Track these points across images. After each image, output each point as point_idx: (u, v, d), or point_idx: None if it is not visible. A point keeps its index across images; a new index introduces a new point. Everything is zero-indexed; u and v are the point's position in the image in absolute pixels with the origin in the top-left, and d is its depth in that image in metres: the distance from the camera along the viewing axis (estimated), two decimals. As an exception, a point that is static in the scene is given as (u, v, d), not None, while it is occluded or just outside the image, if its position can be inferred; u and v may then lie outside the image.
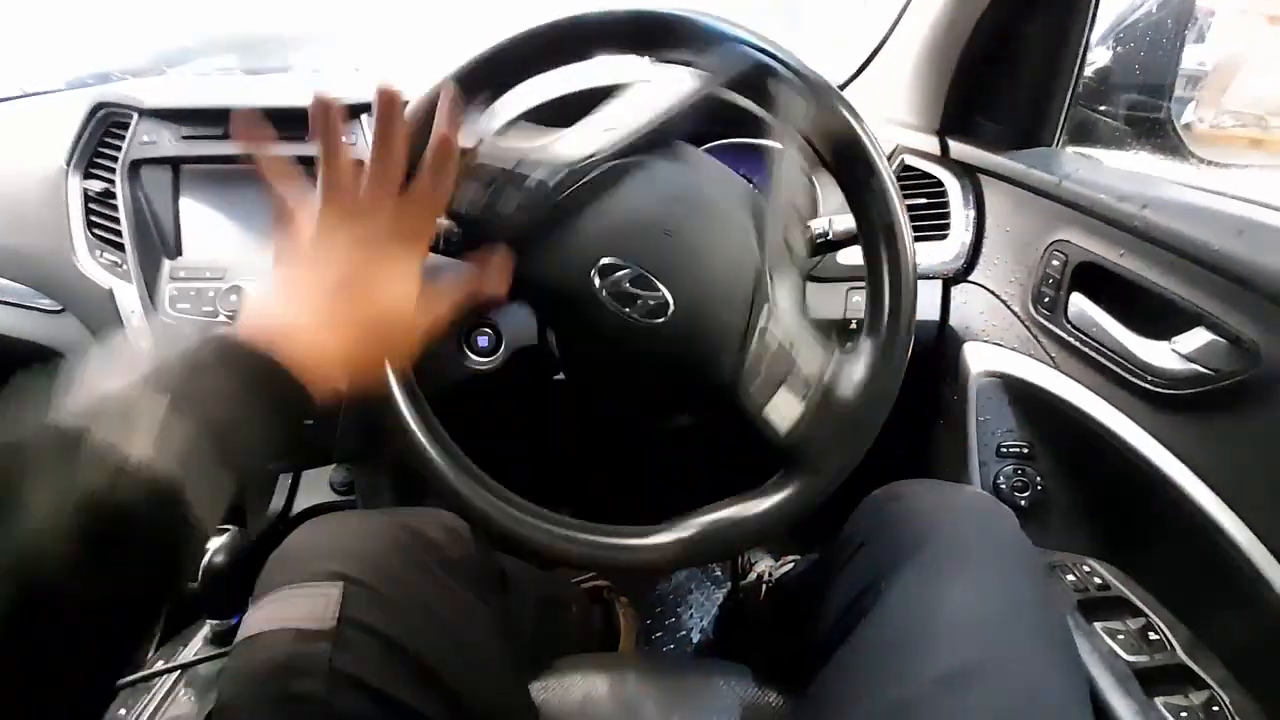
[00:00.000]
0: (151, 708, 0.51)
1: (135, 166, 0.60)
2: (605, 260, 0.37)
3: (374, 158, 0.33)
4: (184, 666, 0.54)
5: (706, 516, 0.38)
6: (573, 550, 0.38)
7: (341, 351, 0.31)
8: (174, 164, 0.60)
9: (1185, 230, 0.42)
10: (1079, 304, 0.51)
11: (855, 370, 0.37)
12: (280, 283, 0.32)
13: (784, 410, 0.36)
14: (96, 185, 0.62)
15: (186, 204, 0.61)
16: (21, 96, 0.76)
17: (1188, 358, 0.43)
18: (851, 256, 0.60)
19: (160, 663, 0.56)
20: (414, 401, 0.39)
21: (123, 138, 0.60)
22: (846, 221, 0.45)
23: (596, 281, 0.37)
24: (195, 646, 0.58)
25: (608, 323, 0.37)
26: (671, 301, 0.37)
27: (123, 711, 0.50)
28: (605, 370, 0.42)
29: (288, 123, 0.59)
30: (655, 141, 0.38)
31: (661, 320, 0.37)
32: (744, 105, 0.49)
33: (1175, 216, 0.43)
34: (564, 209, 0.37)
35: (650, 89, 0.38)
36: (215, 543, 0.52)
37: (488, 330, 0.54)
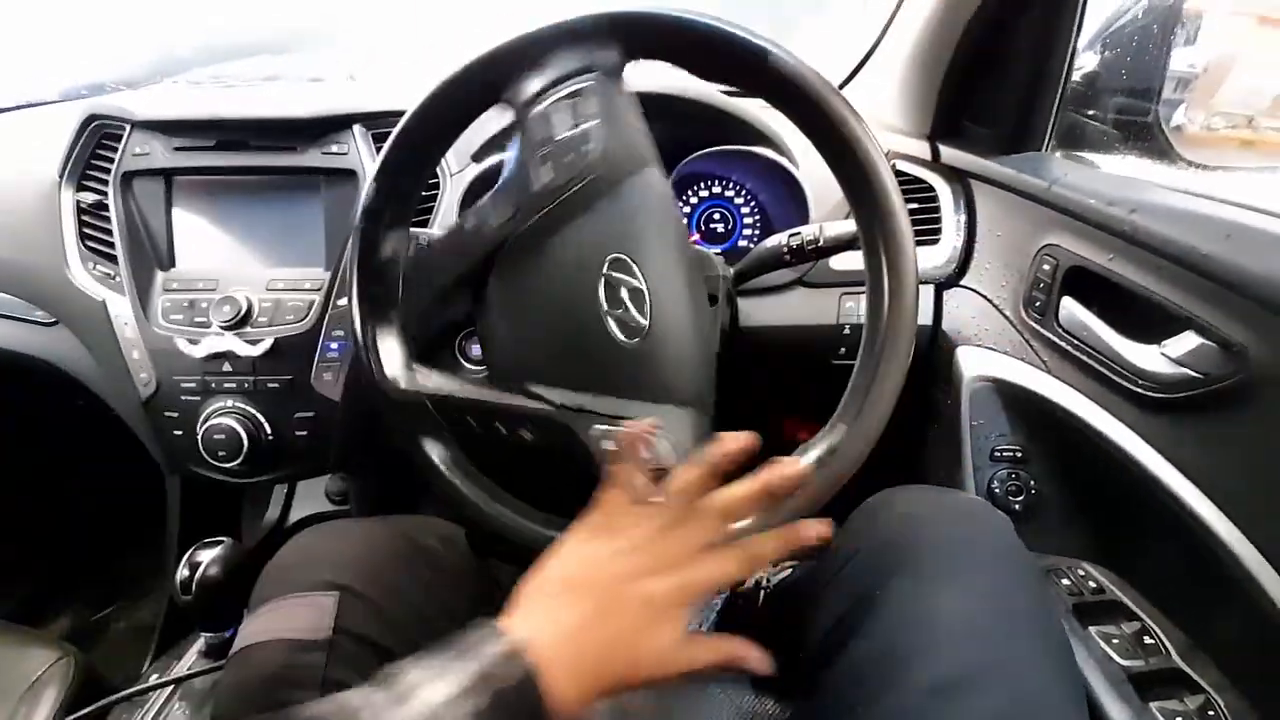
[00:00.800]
0: (148, 721, 0.51)
1: (128, 178, 0.60)
2: (613, 255, 0.36)
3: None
4: (178, 680, 0.54)
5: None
6: None
7: (591, 670, 0.28)
8: (166, 175, 0.60)
9: (1174, 234, 0.42)
10: (1070, 308, 0.52)
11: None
12: (578, 565, 0.30)
13: None
14: (89, 197, 0.62)
15: (179, 215, 0.61)
16: (14, 108, 0.76)
17: (1177, 361, 0.43)
18: (843, 262, 0.60)
19: (155, 676, 0.56)
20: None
21: (115, 149, 0.60)
22: (837, 228, 0.46)
23: (602, 291, 0.36)
24: (190, 660, 0.58)
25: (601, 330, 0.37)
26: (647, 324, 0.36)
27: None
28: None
29: (280, 134, 0.60)
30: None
31: (639, 340, 0.36)
32: (731, 112, 0.49)
33: (1164, 220, 0.43)
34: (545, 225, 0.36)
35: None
36: (209, 554, 0.52)
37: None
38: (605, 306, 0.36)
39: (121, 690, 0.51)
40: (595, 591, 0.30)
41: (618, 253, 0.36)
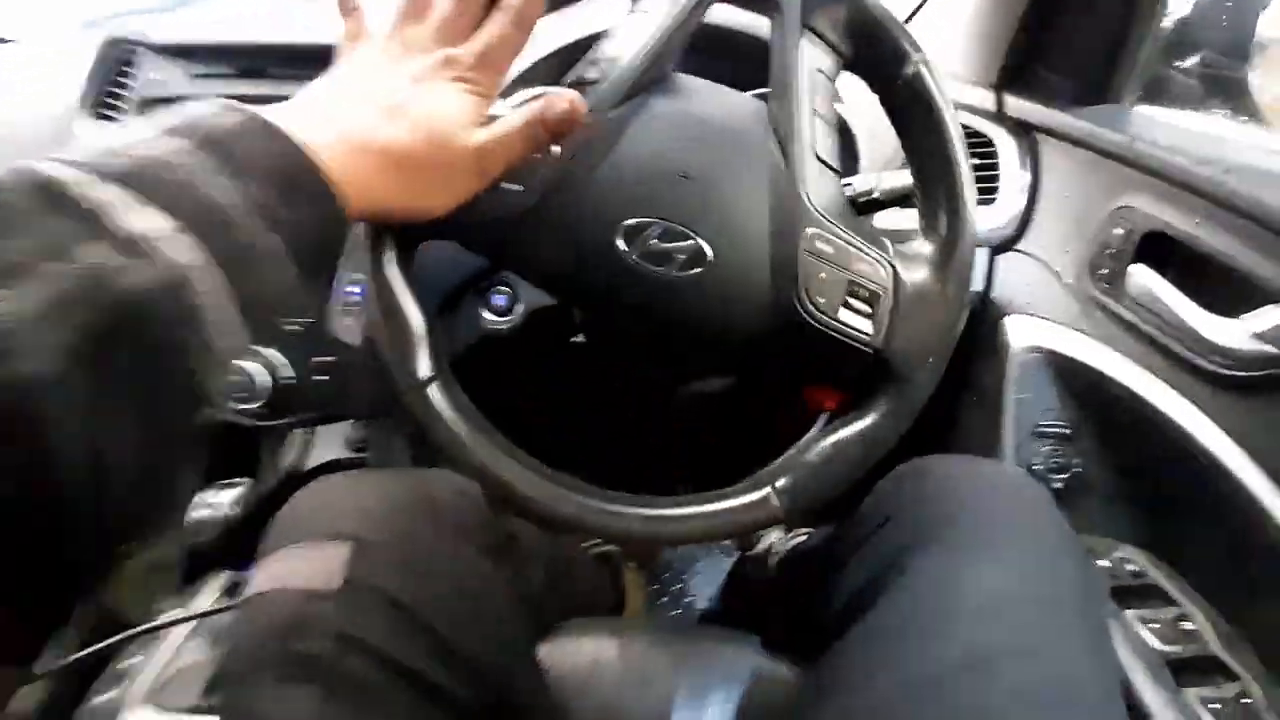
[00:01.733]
0: (164, 658, 0.52)
1: (145, 105, 0.58)
2: (629, 222, 0.34)
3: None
4: (195, 617, 0.55)
5: (804, 455, 0.36)
6: (680, 528, 0.35)
7: (382, 175, 0.26)
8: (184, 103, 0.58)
9: (1271, 200, 0.39)
10: (1141, 276, 0.48)
11: (919, 274, 0.35)
12: (321, 92, 0.28)
13: (857, 323, 0.34)
14: (108, 127, 0.60)
15: (197, 146, 0.59)
16: (34, 39, 0.74)
17: (1260, 337, 0.40)
18: (887, 219, 0.56)
19: (172, 613, 0.57)
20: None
21: (134, 76, 0.58)
22: (895, 179, 0.42)
23: (623, 246, 0.34)
24: (210, 597, 0.59)
25: (643, 287, 0.35)
26: (708, 249, 0.34)
27: (138, 659, 0.51)
28: (638, 336, 0.40)
29: (303, 62, 0.57)
30: (652, 80, 0.35)
31: (701, 270, 0.34)
32: (743, 42, 0.45)
33: (1263, 184, 0.39)
34: (568, 177, 0.34)
35: (632, 25, 0.35)
36: (229, 495, 0.52)
37: (505, 289, 0.52)
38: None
39: (138, 625, 0.52)
40: (375, 95, 0.27)
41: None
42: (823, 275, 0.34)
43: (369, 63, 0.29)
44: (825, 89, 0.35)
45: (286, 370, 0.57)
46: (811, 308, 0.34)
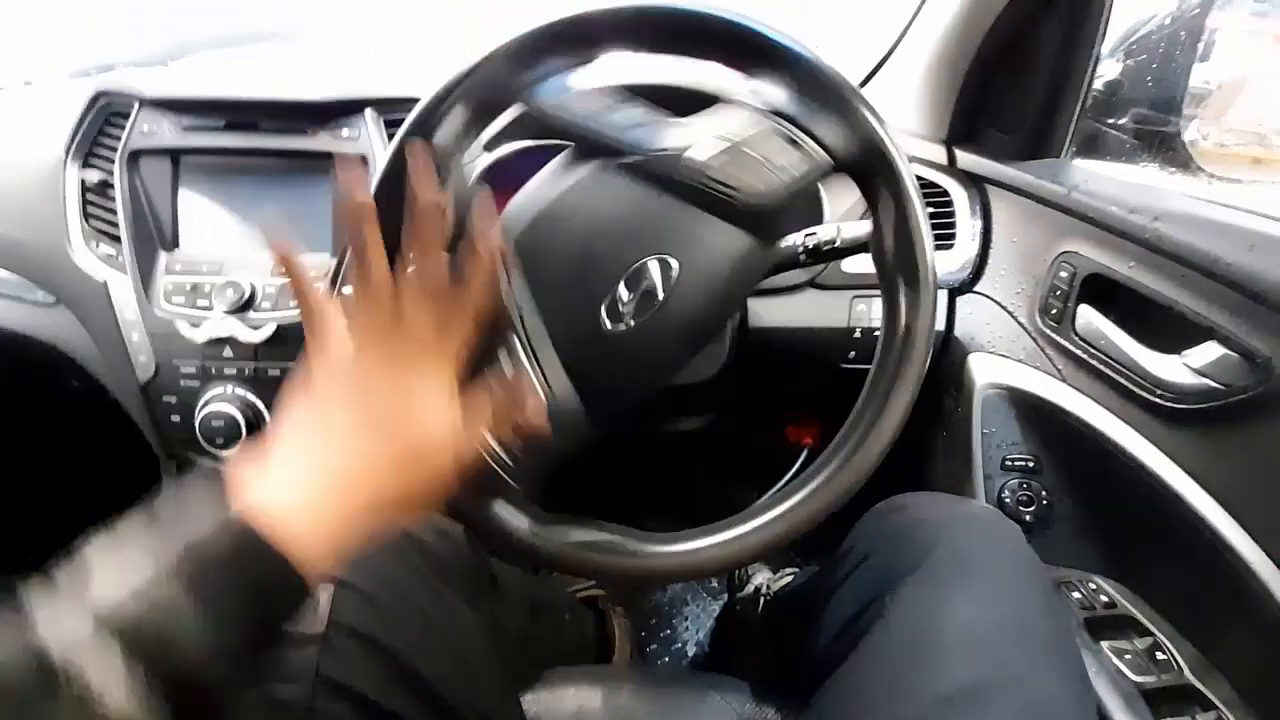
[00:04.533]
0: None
1: (134, 157, 0.59)
2: (607, 299, 0.36)
3: (414, 255, 0.28)
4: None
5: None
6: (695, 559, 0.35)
7: (373, 499, 0.27)
8: (174, 155, 0.60)
9: (1197, 243, 0.42)
10: (1087, 316, 0.51)
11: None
12: (309, 426, 0.27)
13: None
14: (94, 175, 0.61)
15: (185, 196, 0.60)
16: (22, 87, 0.76)
17: (1198, 372, 0.42)
18: (856, 265, 0.59)
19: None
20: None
21: (122, 127, 0.60)
22: (856, 229, 0.45)
23: (607, 321, 0.36)
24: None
25: (619, 347, 0.36)
26: (661, 293, 0.36)
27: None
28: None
29: (291, 116, 0.59)
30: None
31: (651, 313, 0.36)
32: (711, 89, 0.48)
33: (1187, 229, 0.43)
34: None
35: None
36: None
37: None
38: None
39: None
40: (338, 423, 0.27)
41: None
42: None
43: (344, 396, 0.28)
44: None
45: (266, 417, 0.57)
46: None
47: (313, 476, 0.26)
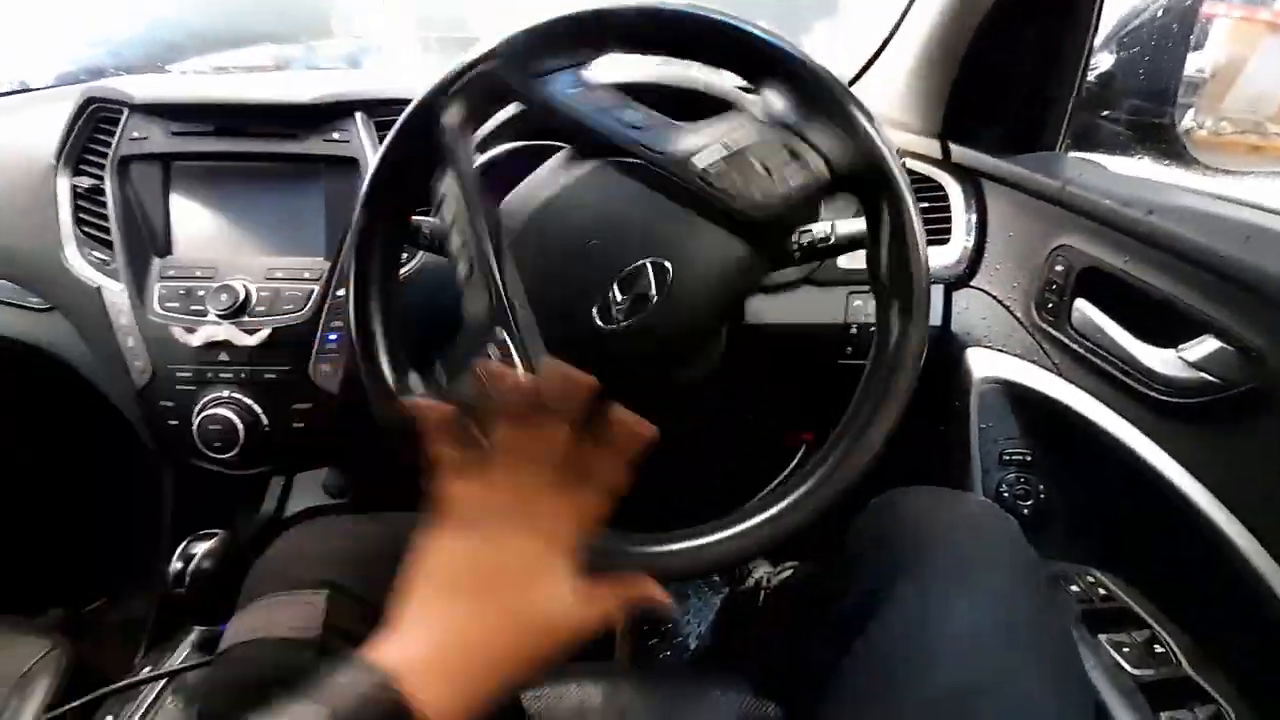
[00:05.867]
0: (138, 715, 0.50)
1: (125, 163, 0.59)
2: (604, 297, 0.36)
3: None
4: (171, 674, 0.53)
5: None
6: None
7: (496, 666, 0.27)
8: (164, 160, 0.59)
9: (1192, 236, 0.42)
10: (1083, 310, 0.51)
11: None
12: (457, 614, 0.28)
13: None
14: (85, 182, 0.61)
15: (177, 201, 0.60)
16: (11, 93, 0.75)
17: (1195, 365, 0.42)
18: (851, 261, 0.59)
19: (148, 669, 0.55)
20: None
21: (112, 133, 0.59)
22: (850, 225, 0.45)
23: (598, 320, 0.36)
24: (183, 653, 0.57)
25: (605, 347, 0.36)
26: (654, 296, 0.36)
27: (109, 718, 0.49)
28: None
29: (281, 120, 0.59)
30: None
31: (642, 314, 0.36)
32: (717, 94, 0.47)
33: (1182, 222, 0.43)
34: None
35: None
36: (203, 547, 0.51)
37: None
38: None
39: (113, 682, 0.50)
40: (465, 587, 0.28)
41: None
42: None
43: (485, 570, 0.28)
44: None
45: (263, 420, 0.57)
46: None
47: (444, 639, 0.26)
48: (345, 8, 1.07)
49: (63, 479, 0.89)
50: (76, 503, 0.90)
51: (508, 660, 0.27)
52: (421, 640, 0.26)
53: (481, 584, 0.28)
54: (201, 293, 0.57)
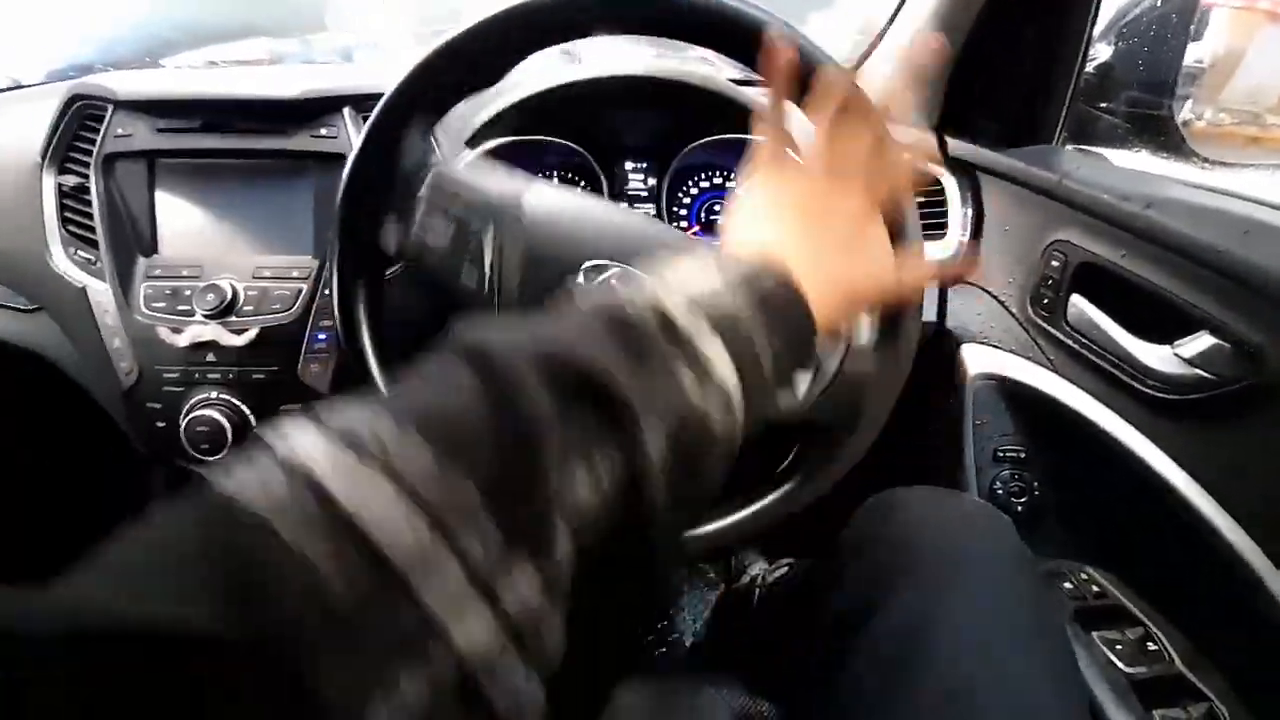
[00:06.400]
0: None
1: (109, 160, 0.58)
2: (590, 263, 0.36)
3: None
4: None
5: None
6: None
7: (839, 304, 0.30)
8: (149, 158, 0.58)
9: (1190, 231, 0.41)
10: (1079, 306, 0.50)
11: (864, 343, 0.37)
12: (797, 234, 0.31)
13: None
14: (71, 180, 0.60)
15: (162, 199, 0.59)
16: (2, 90, 0.74)
17: (1190, 362, 0.42)
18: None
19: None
20: None
21: (98, 130, 0.58)
22: None
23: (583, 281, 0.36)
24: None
25: None
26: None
27: None
28: None
29: (267, 116, 0.58)
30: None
31: None
32: (731, 98, 0.47)
33: (1180, 217, 0.42)
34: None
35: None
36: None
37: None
38: None
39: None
40: (801, 213, 0.31)
41: None
42: None
43: (819, 204, 0.32)
44: None
45: (251, 421, 0.57)
46: None
47: (817, 277, 0.29)
48: (341, 2, 1.06)
49: (54, 481, 0.88)
50: (68, 504, 0.90)
51: (841, 289, 0.30)
52: (815, 276, 0.29)
53: (820, 214, 0.31)
54: (188, 292, 0.56)
